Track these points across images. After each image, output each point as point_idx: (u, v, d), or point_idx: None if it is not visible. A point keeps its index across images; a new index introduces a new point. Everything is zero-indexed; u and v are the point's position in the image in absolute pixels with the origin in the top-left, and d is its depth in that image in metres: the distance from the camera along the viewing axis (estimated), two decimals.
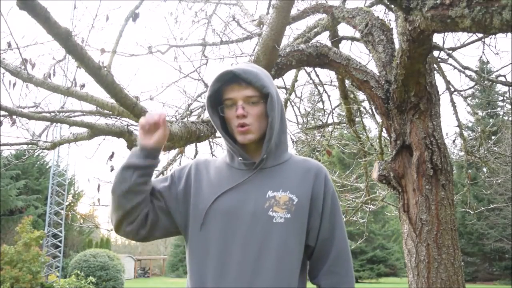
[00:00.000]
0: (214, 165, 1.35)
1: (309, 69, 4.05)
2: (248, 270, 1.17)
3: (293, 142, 5.12)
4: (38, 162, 22.62)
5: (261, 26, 3.90)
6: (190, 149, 4.60)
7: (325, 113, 5.01)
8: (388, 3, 3.17)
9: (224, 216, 1.23)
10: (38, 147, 2.96)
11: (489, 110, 20.46)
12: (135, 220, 1.25)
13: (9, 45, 2.73)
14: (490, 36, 3.51)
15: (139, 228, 1.27)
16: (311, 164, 1.33)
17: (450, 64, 3.59)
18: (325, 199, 1.29)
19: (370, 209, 5.16)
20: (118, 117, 2.88)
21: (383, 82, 2.70)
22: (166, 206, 1.30)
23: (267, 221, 1.21)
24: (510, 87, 3.91)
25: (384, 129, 3.09)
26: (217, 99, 1.31)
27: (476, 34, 3.28)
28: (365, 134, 5.61)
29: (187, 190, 1.31)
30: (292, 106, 4.62)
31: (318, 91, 4.68)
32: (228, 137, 1.30)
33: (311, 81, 4.41)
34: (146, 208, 1.26)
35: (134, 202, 1.23)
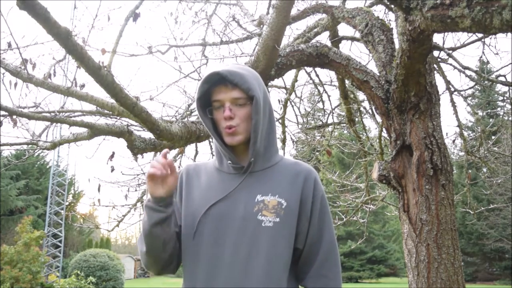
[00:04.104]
0: (204, 171, 1.37)
1: (309, 69, 4.05)
2: (238, 273, 1.19)
3: (293, 142, 5.12)
4: (38, 162, 22.63)
5: (261, 26, 3.89)
6: (190, 149, 4.61)
7: (325, 113, 5.01)
8: (388, 3, 3.17)
9: (214, 221, 1.25)
10: (38, 147, 2.96)
11: (489, 110, 20.47)
12: (174, 259, 1.31)
13: (9, 45, 2.73)
14: (490, 36, 3.51)
15: (179, 261, 1.33)
16: (301, 167, 1.33)
17: (450, 64, 3.59)
18: (314, 203, 1.29)
19: (370, 209, 5.16)
20: (118, 117, 2.88)
21: (383, 82, 2.70)
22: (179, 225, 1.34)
23: (256, 225, 1.22)
24: (510, 87, 3.91)
25: (384, 129, 3.09)
26: (207, 101, 1.32)
27: (476, 34, 3.28)
28: (365, 134, 5.62)
29: (180, 199, 1.34)
30: (292, 106, 4.62)
31: (318, 91, 4.68)
32: (220, 139, 1.30)
33: (311, 81, 4.41)
34: (178, 244, 1.30)
35: (170, 249, 1.28)
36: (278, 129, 4.07)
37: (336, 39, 3.67)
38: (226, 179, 1.30)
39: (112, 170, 3.28)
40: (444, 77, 3.60)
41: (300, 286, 1.32)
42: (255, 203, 1.24)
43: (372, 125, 20.51)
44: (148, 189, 1.24)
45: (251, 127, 1.26)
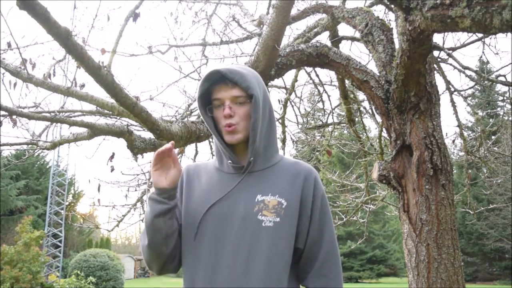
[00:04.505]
0: (205, 171, 1.37)
1: (309, 69, 4.05)
2: (238, 273, 1.19)
3: (293, 142, 5.12)
4: (38, 162, 22.64)
5: (261, 26, 3.89)
6: (190, 149, 4.61)
7: (325, 113, 5.01)
8: (388, 3, 3.17)
9: (215, 221, 1.25)
10: (38, 147, 2.95)
11: (489, 110, 20.45)
12: (176, 257, 1.31)
13: (9, 45, 2.73)
14: (490, 36, 3.51)
15: (180, 260, 1.31)
16: (301, 167, 1.33)
17: (450, 64, 3.59)
18: (314, 202, 1.29)
19: (370, 209, 5.16)
20: (118, 117, 2.88)
21: (383, 82, 2.70)
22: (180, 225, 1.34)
23: (256, 225, 1.22)
24: (510, 87, 3.91)
25: (384, 129, 3.09)
26: (208, 100, 1.32)
27: (476, 34, 3.28)
28: (365, 134, 5.62)
29: (181, 199, 1.34)
30: (292, 106, 4.62)
31: (318, 91, 4.68)
32: (220, 138, 1.30)
33: (311, 81, 4.41)
34: (179, 241, 1.30)
35: (172, 244, 1.28)
36: (278, 129, 4.07)
37: (336, 39, 3.67)
38: (226, 179, 1.30)
39: (112, 170, 3.28)
40: (444, 77, 3.60)
41: (301, 286, 1.32)
42: (255, 203, 1.24)
43: (372, 125, 20.52)
44: (152, 180, 1.25)
45: (250, 125, 1.26)
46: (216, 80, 1.28)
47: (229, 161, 1.30)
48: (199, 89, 1.30)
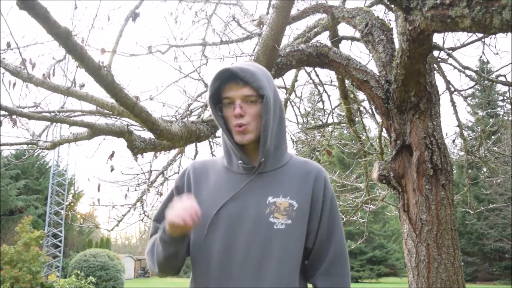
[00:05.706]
0: (212, 169, 1.35)
1: (309, 69, 4.05)
2: (249, 275, 1.19)
3: (293, 142, 5.12)
4: (38, 162, 22.64)
5: (261, 26, 3.89)
6: (190, 149, 4.61)
7: (325, 113, 5.01)
8: (388, 3, 3.17)
9: (226, 223, 1.24)
10: (38, 147, 2.95)
11: (489, 110, 20.46)
12: (183, 265, 1.34)
13: (9, 45, 2.73)
14: (490, 36, 3.51)
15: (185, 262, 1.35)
16: (311, 166, 1.32)
17: (450, 64, 3.59)
18: (325, 202, 1.29)
19: (370, 209, 5.16)
20: (118, 117, 2.88)
21: (383, 82, 2.70)
22: None
23: (268, 227, 1.21)
24: (510, 87, 3.91)
25: (384, 129, 3.09)
26: (218, 98, 1.30)
27: (476, 34, 3.28)
28: (365, 134, 5.61)
29: None
30: (292, 106, 4.62)
31: (318, 91, 4.68)
32: (231, 137, 1.29)
33: (311, 81, 4.41)
34: (188, 252, 1.33)
35: (181, 264, 1.32)
36: None
37: (336, 39, 3.67)
38: (236, 180, 1.28)
39: (112, 169, 3.28)
40: (444, 77, 3.59)
41: (309, 285, 1.32)
42: (267, 205, 1.23)
43: (372, 125, 20.49)
44: (166, 226, 1.21)
45: (261, 126, 1.25)
46: (226, 78, 1.26)
47: (240, 162, 1.28)
48: (210, 88, 1.28)
